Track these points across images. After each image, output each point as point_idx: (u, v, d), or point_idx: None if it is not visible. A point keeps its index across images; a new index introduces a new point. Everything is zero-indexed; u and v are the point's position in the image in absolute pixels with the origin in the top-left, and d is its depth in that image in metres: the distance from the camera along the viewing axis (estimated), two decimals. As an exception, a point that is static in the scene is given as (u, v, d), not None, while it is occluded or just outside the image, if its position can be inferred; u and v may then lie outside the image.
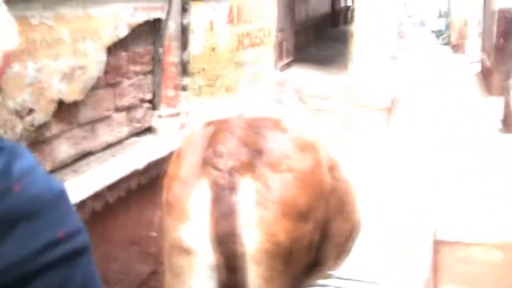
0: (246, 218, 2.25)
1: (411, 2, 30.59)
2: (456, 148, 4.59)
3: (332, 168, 2.66)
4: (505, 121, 11.53)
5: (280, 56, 10.37)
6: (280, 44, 10.32)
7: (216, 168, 2.28)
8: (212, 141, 2.37)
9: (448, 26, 27.98)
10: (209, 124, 2.58)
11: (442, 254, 3.08)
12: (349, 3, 21.13)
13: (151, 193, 4.09)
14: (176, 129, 4.34)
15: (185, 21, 4.45)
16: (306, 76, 10.12)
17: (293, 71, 10.63)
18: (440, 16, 32.77)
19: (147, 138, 4.28)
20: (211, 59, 4.93)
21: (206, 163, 2.31)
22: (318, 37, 14.70)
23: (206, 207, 2.26)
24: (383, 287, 5.10)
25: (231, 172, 2.27)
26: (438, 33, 28.40)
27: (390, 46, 9.75)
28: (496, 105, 12.90)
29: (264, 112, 3.28)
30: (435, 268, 3.20)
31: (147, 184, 3.96)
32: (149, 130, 4.30)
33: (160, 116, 4.30)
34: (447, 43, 25.75)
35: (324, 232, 2.58)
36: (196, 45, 4.64)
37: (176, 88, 4.35)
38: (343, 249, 2.91)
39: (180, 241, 2.31)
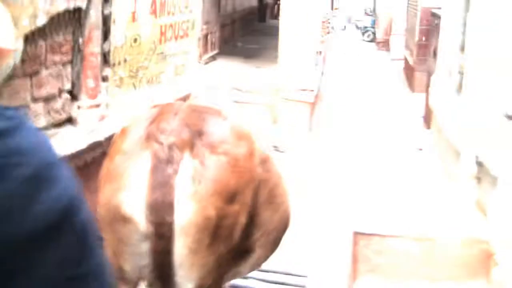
0: (181, 191, 2.44)
1: (338, -1, 30.97)
2: (378, 143, 4.66)
3: (264, 161, 2.87)
4: (426, 118, 11.82)
5: (205, 49, 10.35)
6: (205, 37, 10.30)
7: (157, 142, 2.48)
8: (156, 119, 2.59)
9: (374, 23, 28.49)
10: (154, 106, 2.83)
11: (360, 245, 3.13)
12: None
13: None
14: (96, 120, 4.27)
15: (106, 11, 4.37)
16: (231, 69, 10.11)
17: (218, 64, 10.61)
18: (366, 13, 33.31)
19: (66, 129, 4.19)
20: (133, 50, 4.86)
21: (149, 137, 2.51)
22: (244, 31, 14.73)
23: (145, 177, 2.44)
24: (311, 279, 5.17)
25: (171, 147, 2.46)
26: (364, 30, 28.91)
27: (316, 42, 9.84)
28: (418, 101, 13.19)
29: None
30: (354, 259, 3.25)
31: (66, 175, 3.89)
32: (69, 121, 4.21)
33: (80, 107, 4.21)
34: (373, 40, 26.26)
35: (252, 219, 2.76)
36: (117, 35, 4.57)
37: (96, 78, 4.27)
38: (271, 239, 3.06)
39: (119, 208, 2.49)
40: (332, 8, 20.79)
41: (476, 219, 3.33)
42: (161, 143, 2.49)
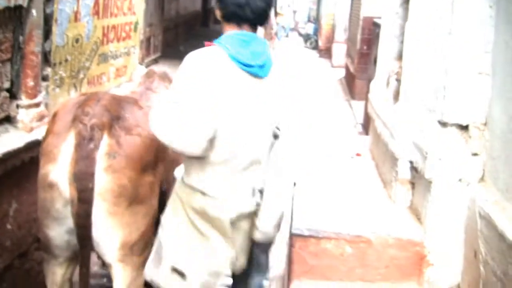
0: (98, 164, 2.89)
1: (282, 5, 31.15)
2: (316, 149, 4.72)
3: None
4: (364, 124, 11.99)
5: (147, 51, 10.31)
6: (148, 40, 10.26)
7: (82, 123, 2.92)
8: (82, 104, 3.03)
9: (316, 31, 28.72)
10: (82, 94, 3.40)
11: (296, 247, 3.18)
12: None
13: (8, 183, 3.97)
14: (36, 120, 4.23)
15: (48, 10, 4.33)
16: (172, 73, 10.09)
17: (159, 67, 10.57)
18: (309, 20, 33.56)
19: (4, 127, 4.14)
20: (74, 50, 4.83)
21: (75, 119, 2.95)
22: (187, 35, 14.72)
23: (70, 152, 2.88)
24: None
25: (93, 127, 2.91)
26: (307, 37, 29.13)
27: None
28: (358, 108, 13.38)
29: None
30: (290, 261, 3.29)
31: (4, 175, 3.84)
32: (7, 119, 4.15)
33: (19, 106, 4.17)
34: (315, 47, 26.46)
35: (167, 191, 3.25)
36: (59, 35, 4.53)
37: (36, 78, 4.22)
38: None
39: (46, 177, 2.93)
40: (275, 15, 20.93)
41: (410, 222, 3.42)
42: (85, 124, 2.93)
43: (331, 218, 3.37)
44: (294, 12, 37.53)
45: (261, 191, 2.82)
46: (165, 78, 4.46)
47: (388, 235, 3.28)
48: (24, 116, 4.14)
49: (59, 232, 3.01)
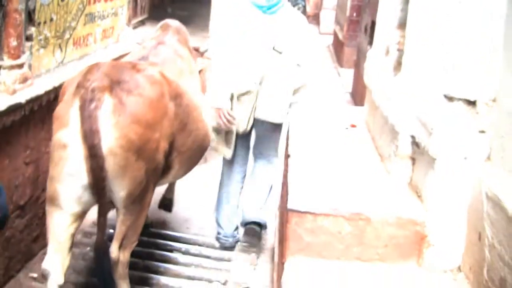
0: (104, 121, 3.22)
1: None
2: (307, 119, 4.55)
3: (175, 97, 3.78)
4: (353, 94, 11.83)
5: (134, 12, 10.03)
6: (135, 1, 9.98)
7: (84, 88, 3.27)
8: (85, 73, 3.42)
9: (302, -5, 28.39)
10: (91, 64, 3.63)
11: (292, 223, 3.03)
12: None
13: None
14: (19, 81, 4.02)
15: (33, -34, 4.11)
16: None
17: (147, 30, 10.30)
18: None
19: (-15, 89, 3.94)
20: (60, 9, 4.61)
21: (78, 86, 3.32)
22: (175, -4, 14.42)
23: (76, 114, 3.23)
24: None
25: (94, 90, 3.25)
26: (294, 3, 28.78)
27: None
28: (346, 77, 13.21)
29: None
30: (286, 238, 3.16)
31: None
32: (-13, 81, 3.96)
33: (1, 67, 3.96)
34: (303, 13, 26.16)
35: (171, 144, 3.72)
36: (44, -8, 4.32)
37: (20, 37, 4.02)
38: (186, 157, 4.08)
39: (59, 140, 3.28)
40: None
41: (410, 200, 3.27)
42: (86, 88, 3.26)
43: (328, 194, 3.22)
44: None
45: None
46: (180, 31, 4.70)
47: (387, 213, 3.13)
48: (6, 77, 3.95)
49: (73, 187, 3.30)
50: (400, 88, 3.52)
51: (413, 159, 3.45)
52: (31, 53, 4.23)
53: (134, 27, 10.02)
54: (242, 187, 5.20)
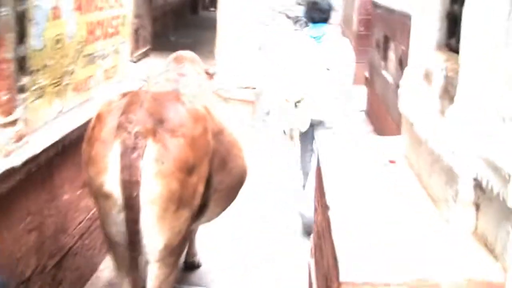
0: (148, 170, 3.10)
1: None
2: (335, 154, 4.07)
3: (217, 134, 3.67)
4: (368, 113, 11.33)
5: (136, 44, 9.60)
6: (136, 32, 9.55)
7: (126, 131, 3.10)
8: (125, 110, 3.21)
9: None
10: (123, 95, 3.45)
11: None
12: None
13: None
14: (13, 141, 3.53)
15: (21, 8, 3.62)
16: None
17: (151, 61, 9.86)
18: (297, 3, 32.77)
19: (-25, 152, 3.45)
20: (56, 53, 4.13)
21: (120, 127, 3.14)
22: (177, 23, 14.00)
23: (117, 161, 3.09)
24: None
25: (137, 135, 3.09)
26: (296, 19, 28.35)
27: (255, 36, 9.20)
28: (358, 95, 12.70)
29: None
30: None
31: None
32: (-23, 142, 3.47)
33: (-9, 126, 3.47)
34: (305, 27, 25.66)
35: (207, 183, 3.52)
36: (36, 37, 3.83)
37: (11, 90, 3.52)
38: (223, 195, 3.96)
39: (101, 188, 3.17)
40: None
41: (479, 256, 2.76)
42: (129, 132, 3.10)
43: (384, 256, 2.71)
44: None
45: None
46: (195, 61, 4.63)
47: (457, 275, 2.62)
48: (-2, 137, 3.45)
49: (121, 233, 3.25)
50: (455, 121, 3.01)
51: (477, 205, 2.93)
52: (25, 106, 3.74)
53: (138, 60, 9.59)
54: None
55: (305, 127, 6.08)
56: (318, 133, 5.56)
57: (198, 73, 4.53)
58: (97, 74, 4.94)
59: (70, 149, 4.35)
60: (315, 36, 6.12)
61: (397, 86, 8.29)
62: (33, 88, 3.84)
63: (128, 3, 5.67)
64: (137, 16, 9.52)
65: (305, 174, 6.48)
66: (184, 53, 4.69)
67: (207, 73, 4.96)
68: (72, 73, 4.42)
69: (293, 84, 6.08)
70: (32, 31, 3.76)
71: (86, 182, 3.46)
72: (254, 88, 8.34)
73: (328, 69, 6.03)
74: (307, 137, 6.19)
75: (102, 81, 5.08)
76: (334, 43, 6.21)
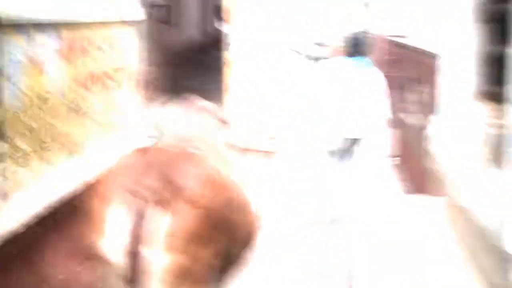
0: (155, 244, 2.80)
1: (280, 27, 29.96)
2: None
3: (243, 206, 3.36)
4: (403, 161, 10.77)
5: (150, 94, 9.17)
6: (150, 81, 9.14)
7: (135, 196, 2.82)
8: (138, 173, 2.92)
9: (326, 53, 27.59)
10: (137, 152, 3.14)
11: None
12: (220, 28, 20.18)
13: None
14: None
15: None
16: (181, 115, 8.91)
17: (169, 110, 9.41)
18: (316, 42, 32.39)
19: None
20: (41, 113, 3.66)
21: (131, 192, 2.84)
22: (188, 66, 13.59)
23: (126, 229, 2.80)
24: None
25: (147, 204, 2.80)
26: (316, 60, 27.91)
27: (271, 78, 8.73)
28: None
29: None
30: None
31: None
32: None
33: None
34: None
35: (225, 257, 3.15)
36: (14, 95, 3.35)
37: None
38: (234, 265, 3.52)
39: (96, 249, 2.89)
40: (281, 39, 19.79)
41: None
42: (140, 198, 2.82)
43: None
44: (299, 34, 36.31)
45: None
46: (209, 110, 4.25)
47: None
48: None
49: None
50: (508, 192, 2.46)
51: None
52: (4, 177, 3.26)
53: (153, 111, 9.15)
54: None
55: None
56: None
57: (212, 123, 4.22)
58: (92, 133, 4.45)
59: (63, 219, 3.87)
60: (359, 67, 6.49)
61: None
62: (14, 156, 3.36)
63: (132, 52, 5.18)
64: (151, 63, 9.12)
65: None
66: (198, 100, 4.36)
67: (222, 121, 4.60)
68: (63, 134, 3.93)
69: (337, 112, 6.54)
70: (9, 89, 3.29)
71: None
72: (274, 138, 7.84)
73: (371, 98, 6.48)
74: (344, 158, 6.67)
75: (101, 138, 4.59)
76: (374, 75, 6.54)
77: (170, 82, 11.86)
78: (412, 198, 6.82)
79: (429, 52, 7.64)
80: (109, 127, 4.81)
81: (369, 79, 6.42)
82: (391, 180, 8.85)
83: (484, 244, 2.71)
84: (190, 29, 15.73)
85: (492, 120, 2.79)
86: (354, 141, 6.50)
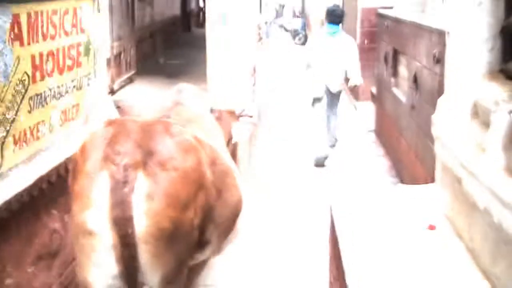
0: (136, 207, 2.86)
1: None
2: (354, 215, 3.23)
3: (211, 163, 3.46)
4: (378, 133, 10.36)
5: (118, 70, 8.65)
6: (118, 56, 8.60)
7: (114, 163, 2.89)
8: (112, 141, 2.99)
9: (304, 25, 27.09)
10: (109, 124, 3.20)
11: None
12: (202, 4, 19.59)
13: None
14: None
15: None
16: (150, 92, 8.42)
17: (135, 87, 8.91)
18: (295, 15, 31.84)
19: None
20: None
21: (106, 159, 2.92)
22: (167, 43, 13.04)
23: (105, 196, 2.85)
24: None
25: (126, 168, 2.88)
26: (295, 33, 27.46)
27: (251, 54, 8.22)
28: (364, 111, 11.77)
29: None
30: None
31: None
32: None
33: None
34: (304, 43, 24.67)
35: (206, 217, 3.33)
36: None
37: None
38: (223, 228, 3.71)
39: (84, 225, 2.90)
40: (260, 11, 19.24)
41: None
42: (117, 164, 2.87)
43: None
44: (282, 6, 35.70)
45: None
46: (196, 94, 4.43)
47: None
48: None
49: (101, 277, 2.94)
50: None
51: None
52: None
53: (120, 87, 8.63)
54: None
55: (335, 89, 9.08)
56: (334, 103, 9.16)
57: (198, 104, 4.37)
58: (51, 118, 3.96)
59: (14, 219, 3.42)
60: (332, 32, 9.06)
61: (412, 107, 7.40)
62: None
63: (93, 27, 4.66)
64: (119, 38, 8.58)
65: (329, 133, 9.23)
66: (185, 85, 4.53)
67: (231, 113, 5.01)
68: (11, 121, 3.43)
69: (323, 64, 8.94)
70: None
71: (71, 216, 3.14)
72: (251, 116, 7.37)
73: (341, 57, 8.93)
74: (331, 103, 9.14)
75: (59, 125, 4.09)
76: (344, 37, 9.23)
77: (150, 56, 11.37)
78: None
79: (415, 22, 7.20)
80: (71, 110, 4.31)
81: (342, 43, 9.03)
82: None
83: (500, 243, 2.28)
84: (173, 8, 15.17)
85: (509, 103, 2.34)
86: (332, 92, 9.05)
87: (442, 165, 3.13)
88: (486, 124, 2.56)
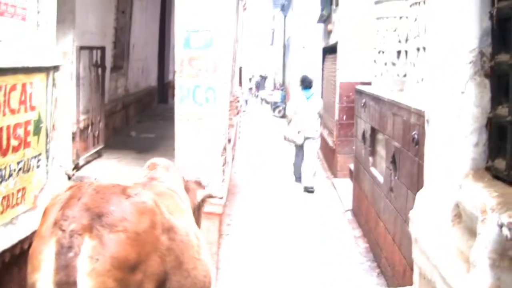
0: (80, 270, 2.83)
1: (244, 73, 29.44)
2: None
3: (168, 230, 3.36)
4: (355, 213, 10.02)
5: (85, 145, 8.26)
6: (85, 130, 8.23)
7: (61, 229, 2.89)
8: (64, 205, 3.01)
9: (284, 98, 27.04)
10: (69, 188, 3.20)
11: None
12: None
13: None
14: None
15: None
16: (116, 168, 8.03)
17: (101, 163, 8.51)
18: (275, 88, 31.88)
19: None
20: None
21: (55, 224, 2.93)
22: (141, 115, 12.71)
23: (51, 261, 2.84)
24: None
25: (72, 233, 2.87)
26: (275, 106, 27.41)
27: (224, 129, 7.88)
28: (342, 189, 11.45)
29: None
30: None
31: None
32: None
33: None
34: (284, 116, 24.54)
35: (162, 284, 3.25)
36: None
37: None
38: None
39: (34, 287, 2.88)
40: (240, 83, 19.09)
41: None
42: (64, 230, 2.87)
43: None
44: (264, 78, 35.83)
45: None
46: (169, 169, 4.36)
47: None
48: None
49: None
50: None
51: None
52: None
53: (86, 163, 8.24)
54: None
55: (301, 141, 12.17)
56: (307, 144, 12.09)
57: (171, 179, 4.26)
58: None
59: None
60: (307, 96, 12.28)
61: (391, 189, 7.06)
62: None
63: (46, 103, 4.29)
64: (86, 111, 8.23)
65: (296, 170, 12.58)
66: (158, 160, 4.46)
67: (197, 183, 4.97)
68: None
69: (298, 120, 12.10)
70: None
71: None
72: (221, 198, 6.99)
73: (314, 112, 12.21)
74: (301, 147, 12.25)
75: (0, 212, 3.69)
76: (316, 99, 12.58)
77: (122, 130, 11.04)
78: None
79: (394, 101, 6.94)
80: (14, 193, 3.91)
81: (313, 103, 12.31)
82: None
83: None
84: (148, 79, 14.91)
85: (499, 209, 2.00)
86: (306, 138, 12.11)
87: (420, 271, 2.76)
88: (471, 231, 2.21)
